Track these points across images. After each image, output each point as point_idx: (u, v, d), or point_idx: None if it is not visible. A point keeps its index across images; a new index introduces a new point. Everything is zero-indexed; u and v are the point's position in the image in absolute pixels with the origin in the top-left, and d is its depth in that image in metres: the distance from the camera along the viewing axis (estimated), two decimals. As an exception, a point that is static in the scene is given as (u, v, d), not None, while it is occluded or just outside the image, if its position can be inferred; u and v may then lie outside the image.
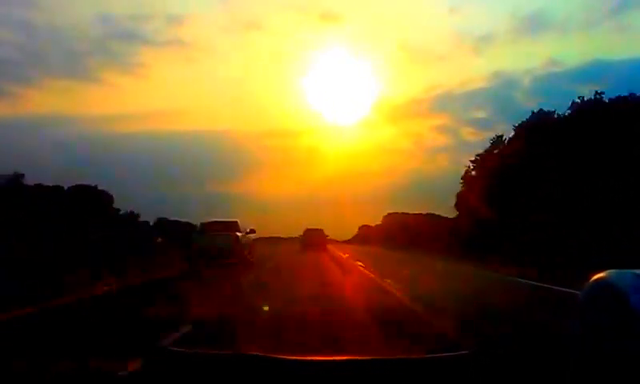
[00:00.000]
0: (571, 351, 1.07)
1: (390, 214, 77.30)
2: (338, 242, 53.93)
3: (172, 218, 38.96)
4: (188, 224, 26.51)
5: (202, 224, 17.53)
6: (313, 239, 26.72)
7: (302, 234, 28.59)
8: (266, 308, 5.97)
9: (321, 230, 28.51)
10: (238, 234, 15.81)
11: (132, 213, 36.45)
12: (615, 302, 0.99)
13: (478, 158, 27.38)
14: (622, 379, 0.95)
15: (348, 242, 67.11)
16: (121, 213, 36.20)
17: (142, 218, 37.41)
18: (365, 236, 69.86)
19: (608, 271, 1.04)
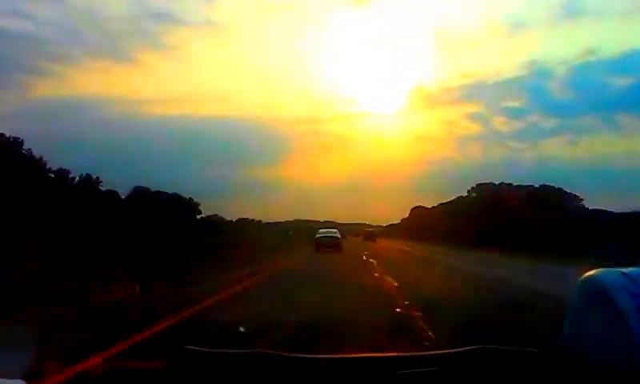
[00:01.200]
0: (565, 351, 1.10)
1: (416, 208, 77.00)
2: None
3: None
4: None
5: (320, 229, 36.23)
6: (326, 243, 31.02)
7: (315, 237, 33.18)
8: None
9: (334, 235, 32.78)
10: (338, 234, 32.58)
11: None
12: (602, 300, 1.03)
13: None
14: (609, 379, 0.99)
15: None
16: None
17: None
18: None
19: (596, 270, 1.08)
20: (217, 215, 57.19)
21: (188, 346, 1.09)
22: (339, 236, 32.54)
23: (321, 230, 34.21)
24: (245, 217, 69.25)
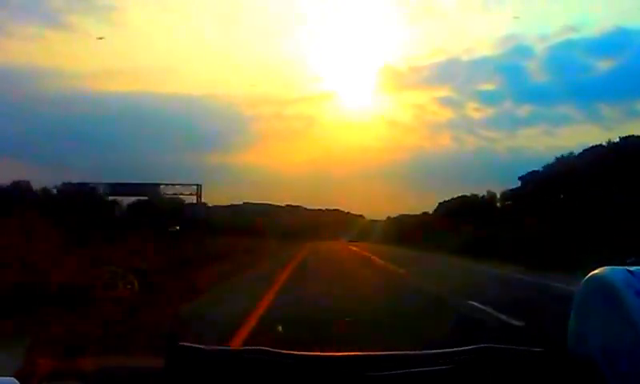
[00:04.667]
0: (570, 350, 1.09)
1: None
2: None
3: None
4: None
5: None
6: None
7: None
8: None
9: None
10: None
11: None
12: (608, 298, 1.02)
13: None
14: (615, 378, 0.98)
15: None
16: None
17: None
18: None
19: (602, 268, 1.07)
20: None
21: (183, 343, 1.06)
22: None
23: None
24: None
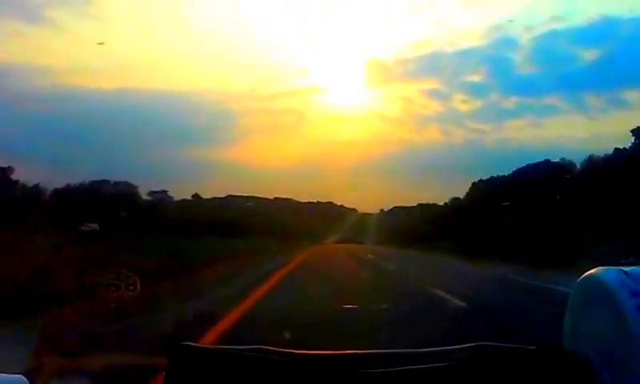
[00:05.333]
0: (564, 350, 1.10)
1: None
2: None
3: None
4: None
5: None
6: None
7: None
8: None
9: None
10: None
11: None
12: (602, 298, 1.04)
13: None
14: (609, 378, 0.99)
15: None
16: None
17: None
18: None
19: (597, 268, 1.08)
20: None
21: (185, 343, 1.09)
22: None
23: None
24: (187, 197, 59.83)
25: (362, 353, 1.08)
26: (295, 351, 1.08)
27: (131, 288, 5.76)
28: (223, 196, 69.70)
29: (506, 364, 1.04)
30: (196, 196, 62.06)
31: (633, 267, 1.05)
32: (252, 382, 1.03)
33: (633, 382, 0.96)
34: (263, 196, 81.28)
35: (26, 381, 1.06)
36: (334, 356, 1.09)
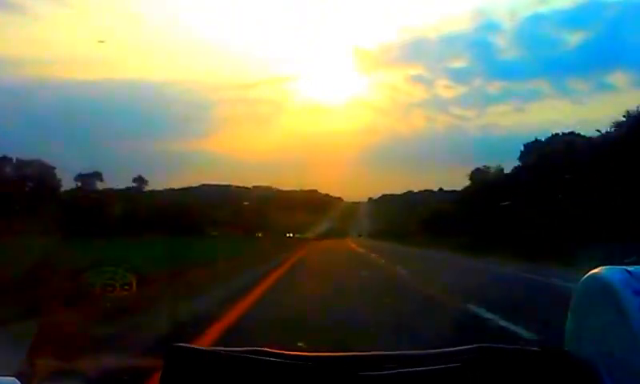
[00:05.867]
0: (567, 350, 1.10)
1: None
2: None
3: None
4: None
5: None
6: None
7: None
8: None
9: None
10: None
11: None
12: (605, 298, 1.03)
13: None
14: (612, 378, 0.99)
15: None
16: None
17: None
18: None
19: (600, 267, 1.08)
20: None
21: (182, 344, 1.07)
22: None
23: None
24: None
25: (362, 355, 1.06)
26: (293, 353, 1.07)
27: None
28: (196, 185, 65.79)
29: (508, 366, 1.03)
30: (139, 179, 51.68)
31: (637, 266, 1.05)
32: (249, 382, 1.02)
33: (637, 383, 0.95)
34: (241, 184, 77.28)
35: (19, 383, 1.04)
36: (334, 358, 1.07)
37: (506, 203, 35.66)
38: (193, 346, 1.08)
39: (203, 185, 68.30)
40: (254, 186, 79.64)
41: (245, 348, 1.07)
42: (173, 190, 55.88)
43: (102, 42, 78.57)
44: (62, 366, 1.29)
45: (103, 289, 8.76)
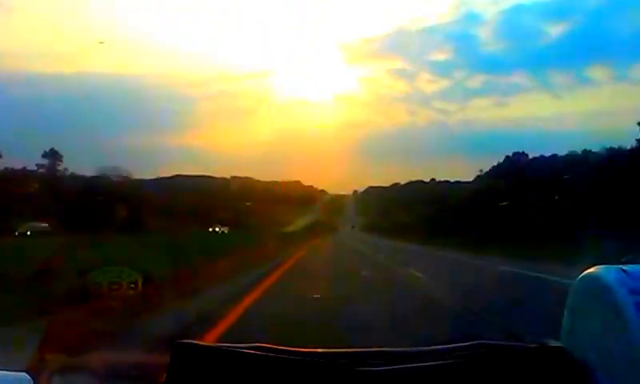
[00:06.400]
0: (563, 348, 1.11)
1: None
2: None
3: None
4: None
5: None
6: None
7: None
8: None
9: None
10: None
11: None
12: (601, 297, 1.04)
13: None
14: (608, 377, 1.00)
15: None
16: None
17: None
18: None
19: (596, 267, 1.08)
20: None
21: (187, 341, 1.09)
22: None
23: None
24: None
25: (361, 350, 1.08)
26: (295, 349, 1.09)
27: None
28: (169, 176, 62.05)
29: (505, 363, 1.04)
30: (108, 168, 48.28)
31: (632, 265, 1.06)
32: (253, 379, 1.04)
33: (632, 381, 0.96)
34: (219, 175, 72.15)
35: (30, 378, 1.07)
36: (333, 354, 1.09)
37: (505, 203, 35.44)
38: (198, 342, 1.11)
39: (177, 175, 65.38)
40: (232, 177, 74.45)
41: (248, 344, 1.09)
42: (143, 180, 51.18)
43: (101, 42, 77.80)
44: (72, 362, 1.32)
45: (109, 287, 8.85)
